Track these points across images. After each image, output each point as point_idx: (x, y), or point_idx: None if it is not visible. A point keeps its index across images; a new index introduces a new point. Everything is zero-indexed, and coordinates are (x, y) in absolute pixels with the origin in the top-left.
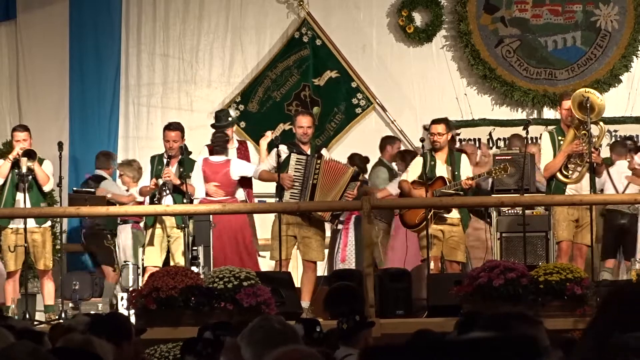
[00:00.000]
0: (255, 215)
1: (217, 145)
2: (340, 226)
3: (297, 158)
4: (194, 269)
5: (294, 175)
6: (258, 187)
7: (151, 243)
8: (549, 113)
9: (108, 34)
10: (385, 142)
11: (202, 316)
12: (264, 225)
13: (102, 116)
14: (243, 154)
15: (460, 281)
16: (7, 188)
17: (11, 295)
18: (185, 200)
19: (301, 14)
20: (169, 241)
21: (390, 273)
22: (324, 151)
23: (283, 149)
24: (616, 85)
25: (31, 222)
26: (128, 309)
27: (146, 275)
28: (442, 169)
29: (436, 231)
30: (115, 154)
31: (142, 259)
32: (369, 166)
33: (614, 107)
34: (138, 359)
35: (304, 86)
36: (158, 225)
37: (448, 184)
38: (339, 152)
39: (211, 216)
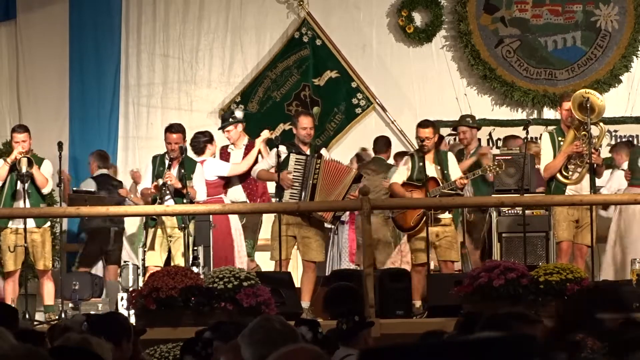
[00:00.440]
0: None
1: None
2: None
3: (297, 158)
4: (194, 269)
5: (294, 175)
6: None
7: (152, 244)
8: (549, 113)
9: (108, 34)
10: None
11: (202, 316)
12: (263, 225)
13: (102, 116)
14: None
15: (460, 281)
16: (5, 191)
17: (11, 296)
18: (185, 202)
19: (301, 14)
20: (169, 242)
21: (390, 273)
22: (323, 151)
23: (282, 149)
24: (616, 85)
25: (31, 223)
26: (128, 309)
27: (146, 275)
28: (431, 169)
29: (431, 235)
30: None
31: (143, 259)
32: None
33: (614, 108)
34: (138, 358)
35: (304, 86)
36: (159, 226)
37: (441, 184)
38: (339, 152)
39: (211, 216)
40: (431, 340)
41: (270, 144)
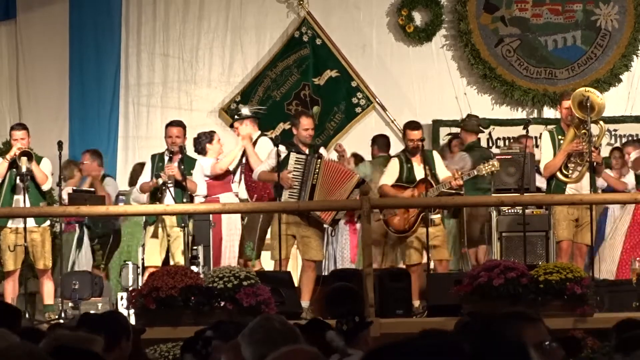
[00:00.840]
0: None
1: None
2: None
3: (297, 157)
4: (194, 268)
5: (293, 175)
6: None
7: (151, 242)
8: (549, 112)
9: (108, 34)
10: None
11: (202, 316)
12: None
13: (102, 116)
14: None
15: (460, 280)
16: (4, 188)
17: (10, 295)
18: (185, 200)
19: (301, 13)
20: (168, 240)
21: (390, 273)
22: (322, 150)
23: (282, 149)
24: (616, 84)
25: (30, 222)
26: (128, 308)
27: (146, 275)
28: (419, 170)
29: (422, 236)
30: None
31: (142, 258)
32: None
33: (614, 107)
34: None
35: (304, 85)
36: (158, 225)
37: (434, 185)
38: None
39: (211, 215)
40: (431, 340)
41: (268, 143)
